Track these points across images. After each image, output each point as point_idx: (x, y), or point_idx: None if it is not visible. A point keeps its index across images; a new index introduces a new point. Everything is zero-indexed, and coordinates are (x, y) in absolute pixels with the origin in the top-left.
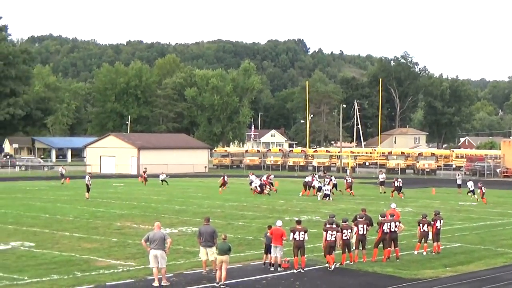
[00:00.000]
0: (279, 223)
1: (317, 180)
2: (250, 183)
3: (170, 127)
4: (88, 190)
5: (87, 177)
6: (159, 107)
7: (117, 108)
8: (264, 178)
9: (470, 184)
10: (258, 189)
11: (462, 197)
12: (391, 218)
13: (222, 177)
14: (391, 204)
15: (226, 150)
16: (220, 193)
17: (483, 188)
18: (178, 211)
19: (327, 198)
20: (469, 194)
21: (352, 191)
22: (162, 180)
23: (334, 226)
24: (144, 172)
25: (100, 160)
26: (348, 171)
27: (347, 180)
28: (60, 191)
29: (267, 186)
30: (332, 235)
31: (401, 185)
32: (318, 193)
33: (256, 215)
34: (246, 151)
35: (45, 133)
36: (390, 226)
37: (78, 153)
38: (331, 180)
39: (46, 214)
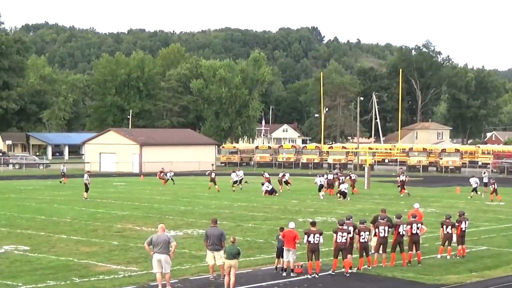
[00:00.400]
0: (291, 224)
1: (318, 177)
2: (235, 182)
3: (174, 122)
4: (86, 189)
5: (85, 175)
6: (163, 101)
7: (117, 101)
8: (280, 175)
9: (474, 181)
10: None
11: (487, 197)
12: (413, 219)
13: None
14: (414, 204)
15: (234, 147)
16: (234, 191)
17: (495, 184)
18: (183, 212)
19: (343, 197)
20: (472, 193)
21: (355, 189)
22: (170, 179)
23: (345, 227)
24: (161, 172)
25: (100, 158)
26: (352, 168)
27: (351, 177)
28: (56, 190)
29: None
30: (342, 236)
31: (406, 179)
32: (320, 192)
33: (267, 216)
34: (257, 147)
35: (41, 128)
36: (411, 227)
37: (76, 150)
38: (350, 177)
39: (41, 216)
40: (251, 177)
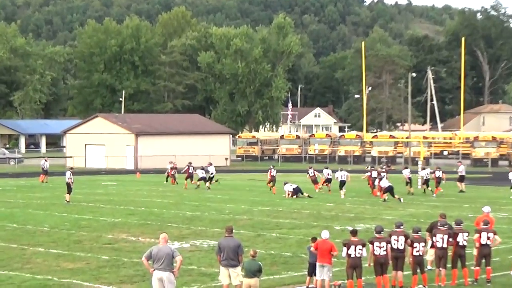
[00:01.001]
0: (326, 234)
1: (340, 172)
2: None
3: (178, 106)
4: (69, 190)
5: (68, 173)
6: (164, 79)
7: (107, 80)
8: (311, 172)
9: None
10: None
11: None
12: (484, 227)
13: (269, 171)
14: (484, 208)
15: (254, 136)
16: (274, 193)
17: None
18: (190, 218)
19: (391, 194)
20: None
21: (439, 188)
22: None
23: (383, 235)
24: (172, 168)
25: (85, 151)
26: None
27: (435, 173)
28: (31, 192)
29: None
30: (381, 247)
31: (443, 177)
32: (341, 191)
33: (296, 224)
34: (282, 137)
35: (11, 114)
36: (480, 237)
37: (55, 141)
38: (434, 173)
39: (13, 224)
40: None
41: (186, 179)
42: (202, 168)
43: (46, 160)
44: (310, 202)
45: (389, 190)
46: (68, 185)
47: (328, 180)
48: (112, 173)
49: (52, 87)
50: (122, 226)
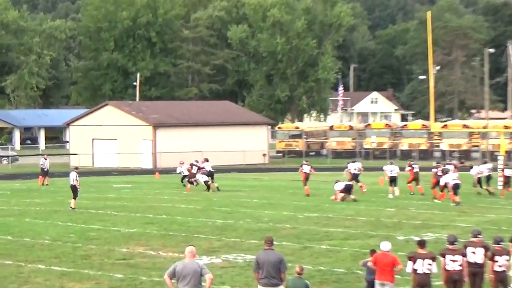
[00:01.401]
0: (386, 245)
1: (389, 165)
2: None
3: (205, 91)
4: (75, 195)
5: (73, 174)
6: (187, 59)
7: (118, 60)
8: (351, 168)
9: None
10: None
11: None
12: None
13: (300, 167)
14: None
15: (297, 127)
16: (307, 194)
17: None
18: (221, 227)
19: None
20: None
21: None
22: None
23: (457, 247)
24: (192, 166)
25: (93, 146)
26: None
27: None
28: (29, 197)
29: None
30: (455, 261)
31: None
32: (391, 186)
33: (350, 233)
34: (331, 127)
35: (3, 103)
36: None
37: (56, 136)
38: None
39: (7, 236)
40: (323, 173)
41: (188, 181)
42: (201, 171)
43: (46, 159)
44: (367, 207)
45: (456, 188)
46: (74, 188)
47: (393, 179)
48: (125, 174)
49: (51, 69)
50: (138, 237)
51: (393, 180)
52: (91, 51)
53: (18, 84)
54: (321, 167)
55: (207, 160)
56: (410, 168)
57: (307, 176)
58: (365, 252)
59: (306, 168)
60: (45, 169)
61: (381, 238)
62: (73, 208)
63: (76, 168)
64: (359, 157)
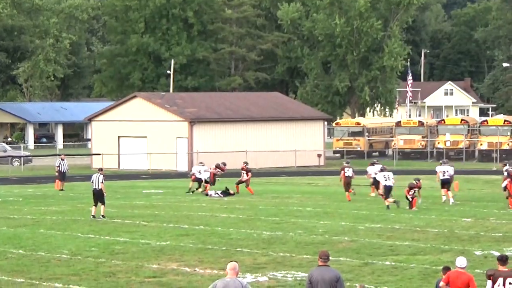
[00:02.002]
0: (462, 261)
1: (443, 166)
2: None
3: (250, 80)
4: (99, 200)
5: (98, 177)
6: (230, 43)
7: (149, 45)
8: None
9: None
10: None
11: None
12: None
13: (341, 170)
14: None
15: (358, 123)
16: (349, 200)
17: None
18: (268, 240)
19: None
20: None
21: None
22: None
23: None
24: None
25: (119, 146)
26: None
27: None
28: (44, 204)
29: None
30: None
31: None
32: (444, 189)
33: (419, 247)
34: (398, 123)
35: (14, 95)
36: None
37: (76, 133)
38: None
39: (18, 249)
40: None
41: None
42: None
43: (63, 159)
44: (439, 216)
45: None
46: (100, 193)
47: (446, 182)
48: (157, 177)
49: (71, 55)
50: (172, 251)
51: (446, 183)
52: (117, 34)
53: (32, 72)
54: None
55: (202, 164)
56: (506, 174)
57: (348, 181)
58: (436, 270)
59: (349, 172)
60: (63, 172)
61: (455, 253)
62: (101, 216)
63: (101, 169)
64: (430, 158)
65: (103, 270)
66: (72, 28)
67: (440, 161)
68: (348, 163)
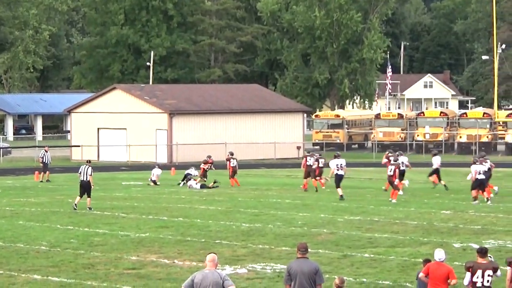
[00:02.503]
0: (440, 254)
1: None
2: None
3: (230, 72)
4: (86, 192)
5: (85, 169)
6: (209, 35)
7: (128, 36)
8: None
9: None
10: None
11: None
12: None
13: (304, 159)
14: None
15: (338, 115)
16: (304, 188)
17: None
18: (247, 232)
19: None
20: None
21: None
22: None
23: None
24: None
25: (98, 137)
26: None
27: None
28: (23, 195)
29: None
30: None
31: None
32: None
33: (397, 240)
34: (377, 116)
35: None
36: None
37: (55, 125)
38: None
39: None
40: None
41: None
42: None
43: (46, 151)
44: (417, 209)
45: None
46: (88, 185)
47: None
48: (136, 169)
49: (50, 47)
50: (151, 243)
51: (480, 184)
52: (97, 26)
53: (12, 64)
54: (365, 162)
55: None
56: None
57: (309, 170)
58: (415, 262)
59: (310, 161)
60: (46, 163)
61: (434, 245)
62: (90, 208)
63: (89, 161)
64: (410, 150)
65: (82, 261)
66: (51, 19)
67: (475, 158)
68: (309, 153)
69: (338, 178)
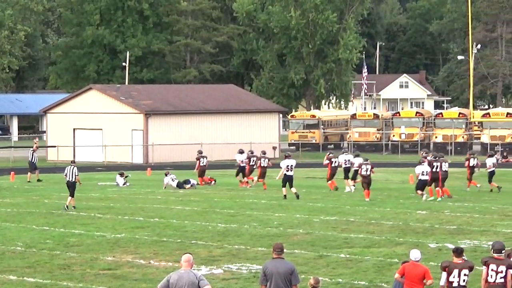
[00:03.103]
0: (416, 254)
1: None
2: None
3: (206, 73)
4: (72, 192)
5: (71, 169)
6: (185, 35)
7: (104, 37)
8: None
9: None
10: None
11: None
12: None
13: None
14: None
15: (314, 116)
16: (240, 186)
17: None
18: (223, 233)
19: None
20: None
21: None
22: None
23: (503, 256)
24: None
25: (74, 137)
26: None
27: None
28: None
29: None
30: (498, 272)
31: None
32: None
33: (373, 240)
34: (353, 116)
35: None
36: None
37: (31, 125)
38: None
39: None
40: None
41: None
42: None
43: (33, 150)
44: (393, 209)
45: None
46: (73, 185)
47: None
48: (112, 169)
49: (26, 47)
50: (127, 244)
51: (423, 185)
52: (72, 26)
53: None
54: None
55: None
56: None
57: (264, 171)
58: (391, 262)
59: (265, 162)
60: (34, 162)
61: (409, 245)
62: (74, 207)
63: (73, 162)
64: (385, 150)
65: (58, 262)
66: (27, 20)
67: (423, 153)
68: (264, 154)
69: (286, 179)
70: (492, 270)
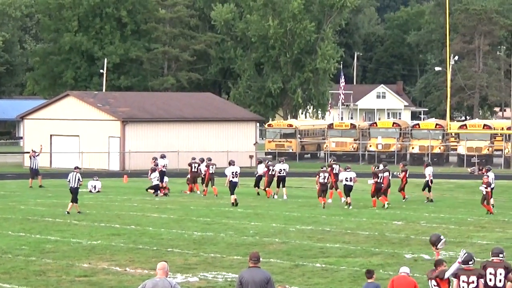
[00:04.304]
0: (405, 268)
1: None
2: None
3: (183, 81)
4: (75, 198)
5: (74, 175)
6: (163, 42)
7: (82, 43)
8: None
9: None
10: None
11: None
12: None
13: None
14: None
15: (291, 125)
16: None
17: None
18: (199, 241)
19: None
20: None
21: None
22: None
23: (473, 267)
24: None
25: (51, 144)
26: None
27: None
28: None
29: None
30: (469, 283)
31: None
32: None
33: (349, 250)
34: (330, 126)
35: None
36: None
37: (7, 130)
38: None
39: None
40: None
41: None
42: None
43: (34, 156)
44: (369, 219)
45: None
46: (76, 191)
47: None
48: (88, 176)
49: (4, 53)
50: (103, 251)
51: (349, 190)
52: (50, 32)
53: None
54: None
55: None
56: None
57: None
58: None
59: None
60: (35, 168)
61: (385, 255)
62: (79, 212)
63: (77, 168)
64: (362, 160)
65: (34, 268)
66: (5, 25)
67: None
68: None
69: (233, 186)
70: (463, 282)
